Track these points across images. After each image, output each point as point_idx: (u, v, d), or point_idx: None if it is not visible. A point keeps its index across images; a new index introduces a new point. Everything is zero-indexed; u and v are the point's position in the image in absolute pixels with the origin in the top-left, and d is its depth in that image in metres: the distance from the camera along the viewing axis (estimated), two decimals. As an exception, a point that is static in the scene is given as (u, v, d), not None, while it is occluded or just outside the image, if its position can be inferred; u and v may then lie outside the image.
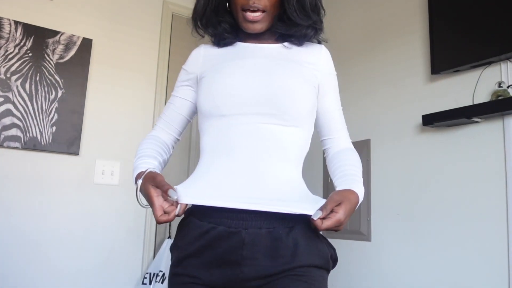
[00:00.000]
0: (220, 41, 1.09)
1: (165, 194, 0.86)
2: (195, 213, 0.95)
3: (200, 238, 0.91)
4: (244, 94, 0.95)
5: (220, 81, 0.98)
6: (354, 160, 1.04)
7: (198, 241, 0.91)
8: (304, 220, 0.89)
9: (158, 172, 0.97)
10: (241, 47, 1.06)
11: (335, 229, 0.87)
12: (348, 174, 0.99)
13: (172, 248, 0.99)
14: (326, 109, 1.06)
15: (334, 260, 0.97)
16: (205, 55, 1.10)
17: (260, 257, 0.88)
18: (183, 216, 0.94)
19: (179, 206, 0.85)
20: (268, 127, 0.94)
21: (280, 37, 1.06)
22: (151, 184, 0.87)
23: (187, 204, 0.88)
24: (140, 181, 0.90)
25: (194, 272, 0.90)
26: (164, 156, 1.09)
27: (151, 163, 1.00)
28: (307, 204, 0.89)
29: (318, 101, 1.05)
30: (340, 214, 0.85)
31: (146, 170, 0.92)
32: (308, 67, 1.02)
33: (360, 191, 0.95)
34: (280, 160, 0.94)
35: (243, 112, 0.95)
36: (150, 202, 0.86)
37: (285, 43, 1.06)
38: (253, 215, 0.89)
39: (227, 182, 0.91)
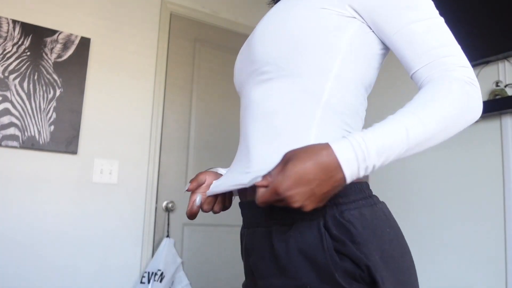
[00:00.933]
0: None
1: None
2: None
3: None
4: (241, 58, 0.80)
5: None
6: (419, 98, 0.62)
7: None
8: (312, 213, 0.63)
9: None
10: None
11: (282, 204, 0.56)
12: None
13: None
14: (390, 31, 0.67)
15: (362, 279, 0.60)
16: None
17: (261, 268, 0.70)
18: None
19: (198, 197, 0.79)
20: (253, 92, 0.74)
21: None
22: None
23: (217, 196, 0.81)
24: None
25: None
26: None
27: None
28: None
29: (375, 29, 0.69)
30: (276, 178, 0.55)
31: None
32: None
33: (341, 146, 0.56)
34: (264, 132, 0.71)
35: (243, 80, 0.79)
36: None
37: None
38: (252, 211, 0.73)
39: (231, 169, 0.78)
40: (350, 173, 0.56)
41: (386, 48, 0.73)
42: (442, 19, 0.67)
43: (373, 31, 0.70)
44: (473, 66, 1.84)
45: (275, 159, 0.66)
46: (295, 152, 0.56)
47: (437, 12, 0.68)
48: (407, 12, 0.66)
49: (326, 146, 0.55)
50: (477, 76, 1.83)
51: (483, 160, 1.78)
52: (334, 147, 0.55)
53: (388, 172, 2.16)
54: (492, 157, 1.74)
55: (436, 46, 0.64)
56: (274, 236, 0.67)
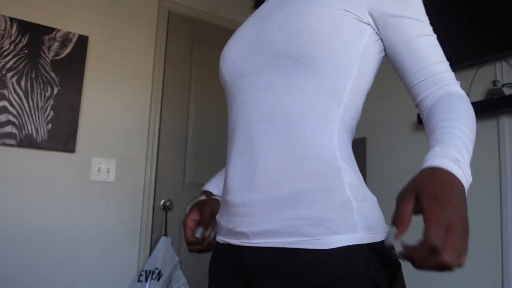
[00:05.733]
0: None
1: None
2: None
3: None
4: (239, 47, 0.76)
5: (227, 44, 0.82)
6: (459, 113, 0.62)
7: None
8: None
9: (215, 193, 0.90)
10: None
11: (441, 267, 0.46)
12: (442, 138, 0.59)
13: None
14: (396, 38, 0.69)
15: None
16: None
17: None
18: None
19: (199, 231, 0.81)
20: (264, 88, 0.70)
21: None
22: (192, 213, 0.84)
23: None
24: (188, 207, 0.85)
25: None
26: None
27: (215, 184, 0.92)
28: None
29: (383, 30, 0.70)
30: (428, 232, 0.46)
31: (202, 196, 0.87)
32: None
33: (452, 167, 0.54)
34: (278, 134, 0.67)
35: (239, 70, 0.75)
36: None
37: None
38: None
39: (228, 197, 0.73)
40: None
41: (384, 57, 0.75)
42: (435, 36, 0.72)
43: (380, 39, 0.72)
44: (471, 65, 1.84)
45: (289, 167, 0.65)
46: (421, 180, 0.51)
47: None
48: (417, 25, 0.69)
49: (441, 168, 0.52)
50: (474, 75, 1.83)
51: (480, 159, 1.78)
52: (450, 168, 0.54)
53: (385, 172, 2.16)
54: (489, 157, 1.75)
55: (436, 61, 0.68)
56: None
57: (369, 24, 0.70)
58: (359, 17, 0.69)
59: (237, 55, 0.76)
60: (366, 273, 0.60)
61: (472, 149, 0.60)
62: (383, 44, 0.72)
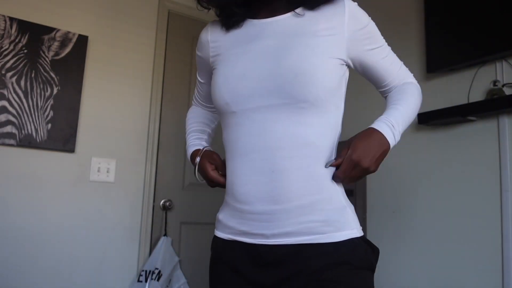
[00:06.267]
0: (229, 17, 0.97)
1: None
2: None
3: None
4: (252, 86, 0.87)
5: (227, 74, 0.91)
6: (401, 93, 0.97)
7: None
8: None
9: (207, 144, 1.14)
10: (250, 27, 0.95)
11: (356, 174, 0.85)
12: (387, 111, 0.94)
13: None
14: (371, 64, 0.95)
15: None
16: (211, 40, 1.01)
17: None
18: None
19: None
20: (283, 123, 0.86)
21: (294, 1, 0.93)
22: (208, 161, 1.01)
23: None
24: (198, 159, 1.02)
25: None
26: (212, 126, 1.24)
27: (202, 139, 1.15)
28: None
29: (358, 61, 0.94)
30: (349, 153, 0.84)
31: (203, 149, 1.06)
32: (326, 35, 0.89)
33: (381, 126, 0.87)
34: (300, 159, 0.86)
35: (254, 106, 0.87)
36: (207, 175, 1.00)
37: (297, 10, 0.92)
38: None
39: (242, 206, 0.89)
40: (392, 144, 0.88)
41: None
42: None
43: (348, 69, 0.95)
44: (471, 65, 1.84)
45: (306, 184, 0.85)
46: (354, 137, 0.86)
47: None
48: (382, 48, 0.96)
49: (371, 128, 0.88)
50: (474, 75, 1.83)
51: (481, 159, 1.78)
52: (378, 127, 0.87)
53: (385, 170, 2.16)
54: (489, 157, 1.75)
55: (394, 71, 0.98)
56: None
57: (347, 63, 0.92)
58: (343, 60, 0.90)
59: (252, 93, 0.87)
60: (364, 255, 0.85)
61: (411, 113, 0.95)
62: (353, 68, 0.97)
